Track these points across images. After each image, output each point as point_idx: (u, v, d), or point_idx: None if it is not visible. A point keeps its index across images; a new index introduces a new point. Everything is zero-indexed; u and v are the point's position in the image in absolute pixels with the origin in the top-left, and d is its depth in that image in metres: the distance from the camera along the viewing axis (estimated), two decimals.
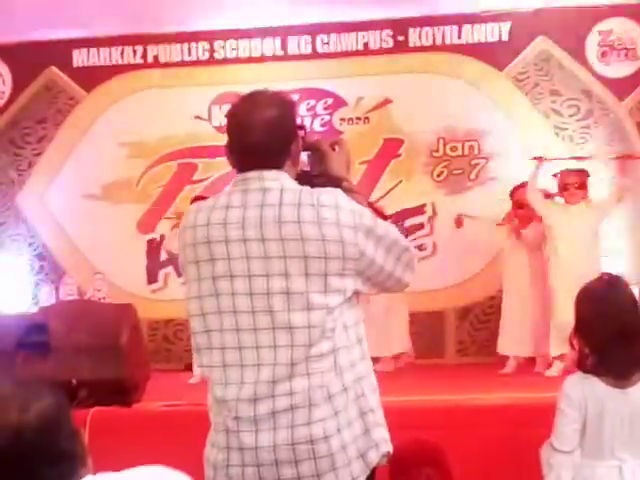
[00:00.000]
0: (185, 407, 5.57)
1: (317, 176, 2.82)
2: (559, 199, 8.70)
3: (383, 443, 2.74)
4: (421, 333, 10.14)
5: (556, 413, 3.33)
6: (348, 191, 2.78)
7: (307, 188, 2.70)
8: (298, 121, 2.83)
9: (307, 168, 2.90)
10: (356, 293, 2.72)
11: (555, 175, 8.80)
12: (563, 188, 8.53)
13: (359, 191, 2.91)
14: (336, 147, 2.94)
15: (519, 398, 5.38)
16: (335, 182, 2.81)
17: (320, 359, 2.62)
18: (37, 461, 1.79)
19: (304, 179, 2.78)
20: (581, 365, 3.35)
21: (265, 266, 2.62)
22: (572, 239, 8.12)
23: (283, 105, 2.78)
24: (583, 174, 8.56)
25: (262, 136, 2.70)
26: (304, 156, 2.89)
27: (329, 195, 2.67)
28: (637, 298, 3.51)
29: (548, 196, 8.78)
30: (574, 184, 8.40)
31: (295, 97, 10.54)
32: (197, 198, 9.45)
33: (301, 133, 2.81)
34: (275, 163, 2.71)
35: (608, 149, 10.40)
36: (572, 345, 3.39)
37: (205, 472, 2.77)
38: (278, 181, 2.68)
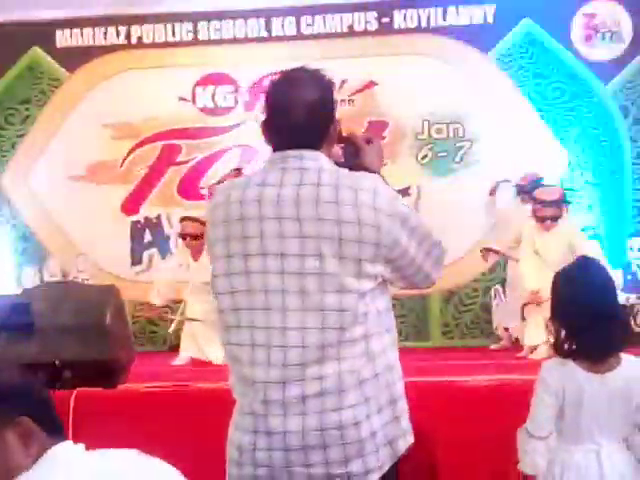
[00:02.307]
0: (169, 389, 5.57)
1: (351, 169, 2.77)
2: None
3: (409, 433, 2.74)
4: (406, 316, 10.20)
5: (533, 398, 3.33)
6: None
7: (346, 171, 2.68)
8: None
9: (341, 160, 2.86)
10: (386, 280, 2.69)
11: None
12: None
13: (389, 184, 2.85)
14: (371, 142, 2.90)
15: (504, 379, 5.39)
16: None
17: (352, 344, 2.58)
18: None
19: None
20: (558, 349, 3.34)
21: (300, 246, 2.58)
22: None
23: (324, 85, 2.74)
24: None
25: (303, 116, 2.66)
26: (338, 149, 2.87)
27: (368, 179, 2.65)
28: (614, 280, 3.51)
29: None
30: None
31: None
32: (186, 218, 9.34)
33: (338, 126, 2.77)
34: (314, 143, 2.68)
35: (593, 132, 10.44)
36: (549, 329, 3.39)
37: (228, 454, 2.73)
38: (317, 161, 2.65)
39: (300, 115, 2.66)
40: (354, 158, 2.87)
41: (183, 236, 9.01)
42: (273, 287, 2.59)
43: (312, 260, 2.57)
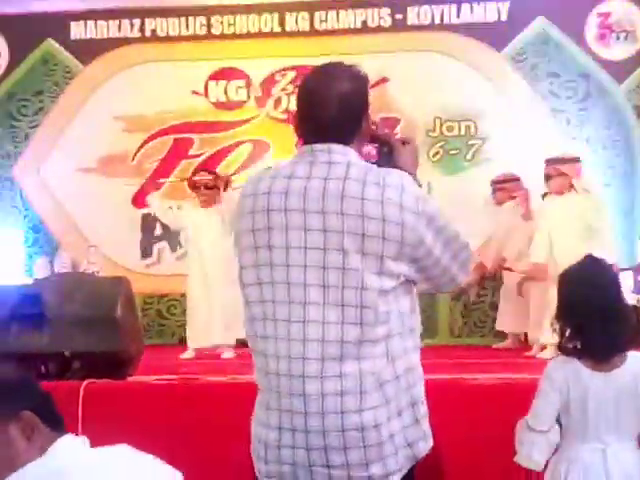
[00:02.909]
0: (178, 382, 5.59)
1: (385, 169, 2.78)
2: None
3: (430, 436, 2.72)
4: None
5: (536, 393, 3.34)
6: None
7: (374, 166, 2.66)
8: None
9: (375, 160, 2.85)
10: (410, 281, 2.67)
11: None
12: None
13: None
14: (407, 144, 2.89)
15: (511, 379, 5.38)
16: None
17: (373, 344, 2.57)
18: None
19: None
20: (563, 348, 3.35)
21: (323, 239, 2.56)
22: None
23: (357, 80, 2.73)
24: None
25: (335, 110, 2.64)
26: (373, 149, 2.86)
27: (396, 176, 2.62)
28: (619, 280, 3.52)
29: None
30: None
31: (293, 74, 10.56)
32: (198, 170, 9.53)
33: (373, 127, 2.77)
34: (345, 138, 2.67)
35: (605, 132, 10.42)
36: (555, 328, 3.39)
37: (253, 449, 2.72)
38: (346, 156, 2.64)
39: (331, 109, 2.65)
40: (388, 158, 2.86)
41: (197, 186, 9.07)
42: (295, 279, 2.58)
43: (334, 254, 2.56)
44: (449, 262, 2.70)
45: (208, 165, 10.77)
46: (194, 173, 9.54)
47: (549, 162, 8.31)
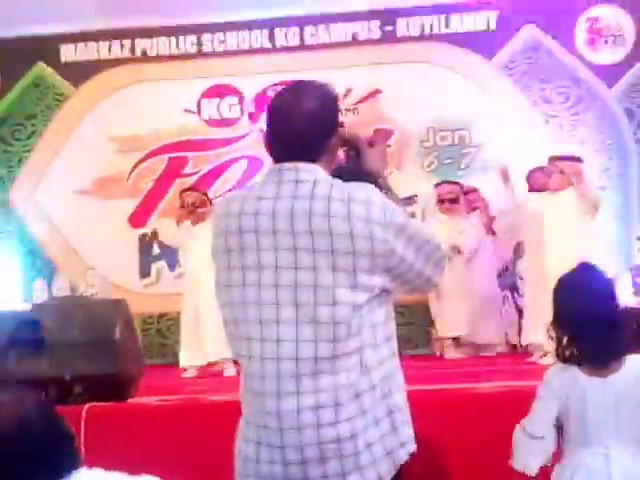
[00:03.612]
0: (179, 402, 5.58)
1: (353, 172, 2.78)
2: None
3: (410, 442, 2.72)
4: (413, 324, 10.16)
5: (535, 399, 3.34)
6: (383, 188, 2.75)
7: (339, 182, 2.66)
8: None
9: (343, 163, 2.86)
10: (385, 291, 2.68)
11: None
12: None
13: (393, 189, 2.86)
14: (374, 144, 2.90)
15: (514, 386, 5.38)
16: (371, 178, 2.77)
17: (347, 357, 2.58)
18: (37, 452, 1.84)
19: (340, 174, 2.73)
20: (560, 355, 3.35)
21: (294, 259, 2.59)
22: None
23: (325, 98, 2.74)
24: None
25: (301, 128, 2.66)
26: (341, 152, 2.86)
27: (361, 190, 2.62)
28: (614, 285, 3.51)
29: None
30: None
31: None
32: (186, 190, 9.56)
33: (340, 129, 2.77)
34: (312, 156, 2.68)
35: (598, 136, 10.44)
36: (551, 336, 3.40)
37: (236, 464, 2.75)
38: (312, 173, 2.65)
39: (298, 126, 2.66)
40: (356, 161, 2.87)
41: (185, 206, 9.10)
42: (266, 300, 2.61)
43: (306, 273, 2.58)
44: (423, 266, 2.72)
45: (203, 183, 10.78)
46: (181, 193, 9.54)
47: (551, 159, 8.37)
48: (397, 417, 2.69)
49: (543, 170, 8.58)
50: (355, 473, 2.60)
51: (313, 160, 2.68)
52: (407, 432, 2.72)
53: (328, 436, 2.58)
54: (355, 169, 2.82)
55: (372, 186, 2.68)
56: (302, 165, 2.66)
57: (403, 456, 2.69)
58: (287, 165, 2.67)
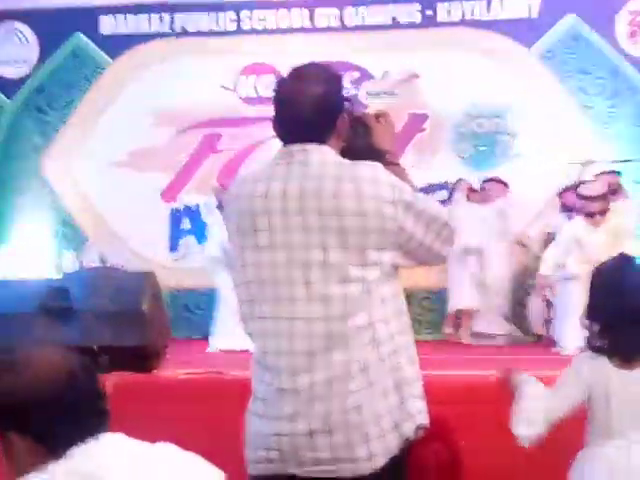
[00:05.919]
0: (204, 375, 5.60)
1: (361, 149, 2.81)
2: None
3: (418, 415, 2.74)
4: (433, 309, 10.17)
5: (559, 379, 3.32)
6: (391, 164, 2.80)
7: (348, 162, 2.71)
8: (345, 93, 2.85)
9: (352, 141, 2.88)
10: (395, 266, 2.73)
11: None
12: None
13: (401, 164, 2.91)
14: (381, 120, 2.94)
15: (537, 375, 5.36)
16: (379, 155, 2.82)
17: (357, 332, 2.64)
18: (82, 405, 1.94)
19: (348, 152, 2.78)
20: (591, 344, 3.35)
21: (305, 238, 2.65)
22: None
23: (330, 80, 2.80)
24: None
25: (308, 110, 2.71)
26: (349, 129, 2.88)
27: (369, 169, 2.68)
28: None
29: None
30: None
31: None
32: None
33: (347, 105, 2.82)
34: (320, 137, 2.73)
35: (635, 129, 10.37)
36: (583, 323, 3.40)
37: (245, 437, 2.81)
38: (321, 154, 2.71)
39: (304, 109, 2.71)
40: (364, 138, 2.89)
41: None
42: (281, 278, 2.67)
43: (317, 252, 2.64)
44: (432, 241, 2.76)
45: (236, 161, 10.80)
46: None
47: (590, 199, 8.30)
48: (406, 390, 2.72)
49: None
50: (363, 446, 2.65)
51: (322, 141, 2.73)
52: (417, 405, 2.74)
53: (335, 407, 2.64)
54: (363, 145, 2.85)
55: (380, 164, 2.72)
56: (311, 146, 2.72)
57: (409, 429, 2.71)
58: (296, 147, 2.73)
